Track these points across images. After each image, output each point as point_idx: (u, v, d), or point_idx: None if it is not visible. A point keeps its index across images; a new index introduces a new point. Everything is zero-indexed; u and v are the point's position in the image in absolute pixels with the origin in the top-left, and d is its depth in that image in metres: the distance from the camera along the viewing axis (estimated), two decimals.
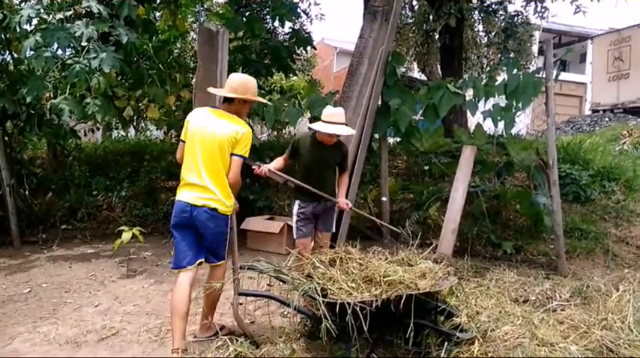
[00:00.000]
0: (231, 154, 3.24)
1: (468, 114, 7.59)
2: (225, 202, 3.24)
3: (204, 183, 3.20)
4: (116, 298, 4.47)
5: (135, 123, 9.97)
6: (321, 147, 4.03)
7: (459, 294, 3.87)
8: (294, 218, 4.13)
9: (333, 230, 4.32)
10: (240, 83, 3.36)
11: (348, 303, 2.78)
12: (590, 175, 7.16)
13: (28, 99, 5.61)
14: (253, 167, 3.89)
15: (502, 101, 5.46)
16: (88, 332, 3.69)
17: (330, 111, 3.95)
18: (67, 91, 5.68)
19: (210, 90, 3.69)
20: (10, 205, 6.30)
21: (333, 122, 3.89)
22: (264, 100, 3.94)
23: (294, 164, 4.26)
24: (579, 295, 4.16)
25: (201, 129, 3.25)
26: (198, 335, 3.51)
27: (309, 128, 4.15)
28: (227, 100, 3.37)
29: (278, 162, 4.13)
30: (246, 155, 3.29)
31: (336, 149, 4.10)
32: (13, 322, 3.97)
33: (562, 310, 3.85)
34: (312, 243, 4.29)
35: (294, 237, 4.16)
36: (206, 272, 3.59)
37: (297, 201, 4.12)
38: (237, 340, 3.16)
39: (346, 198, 4.23)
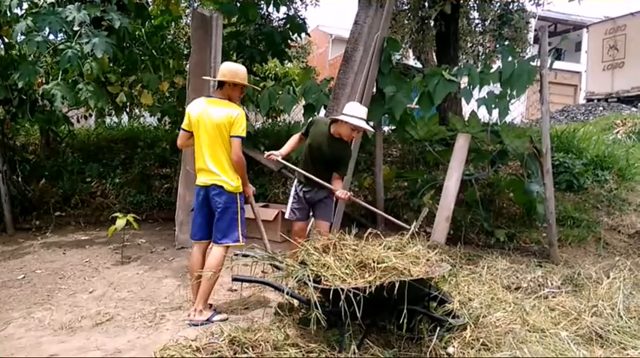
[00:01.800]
0: (230, 136, 3.53)
1: (463, 102, 7.60)
2: (230, 182, 3.57)
3: (208, 168, 3.56)
4: (110, 284, 4.48)
5: (128, 110, 9.89)
6: (331, 140, 4.07)
7: (451, 281, 3.91)
8: (290, 198, 4.29)
9: (332, 220, 4.35)
10: (229, 69, 3.67)
11: (342, 289, 2.80)
12: (584, 164, 7.21)
13: (20, 85, 5.56)
14: (266, 154, 4.14)
15: (497, 89, 5.46)
16: (83, 318, 3.70)
17: (356, 107, 4.07)
18: (60, 77, 5.62)
19: (204, 78, 4.15)
20: (2, 192, 6.27)
21: (358, 117, 3.96)
22: (253, 85, 4.18)
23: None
24: (570, 282, 4.21)
25: (202, 119, 3.57)
26: (192, 320, 3.53)
27: (333, 119, 4.13)
28: (219, 86, 3.69)
29: (293, 140, 4.29)
30: (244, 134, 3.57)
31: (344, 147, 4.12)
32: (7, 308, 3.97)
33: (553, 297, 3.90)
34: (309, 231, 4.32)
35: (286, 216, 4.35)
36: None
37: (295, 182, 4.27)
38: (231, 325, 3.18)
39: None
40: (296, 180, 4.30)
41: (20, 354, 3.13)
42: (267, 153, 4.15)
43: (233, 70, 3.65)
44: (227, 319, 3.58)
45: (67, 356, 3.09)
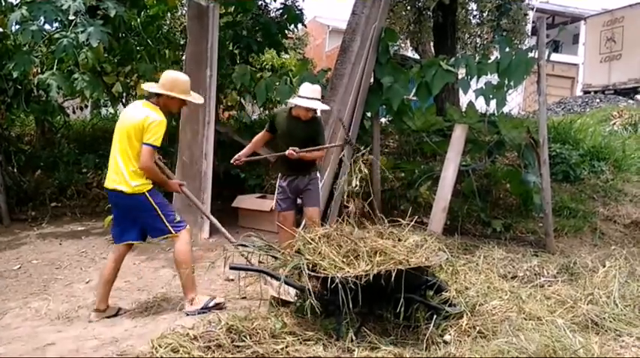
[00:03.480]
0: (142, 143, 3.35)
1: (460, 93, 7.59)
2: (130, 183, 3.40)
3: (114, 167, 3.47)
4: None
5: (124, 101, 9.83)
6: (296, 122, 4.22)
7: (448, 270, 3.92)
8: (276, 191, 4.39)
9: (320, 206, 4.42)
10: (170, 80, 3.51)
11: (339, 278, 2.80)
12: (580, 155, 7.23)
13: (15, 75, 5.51)
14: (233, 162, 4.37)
15: (495, 80, 5.45)
16: (80, 308, 3.70)
17: (307, 87, 4.17)
18: (55, 67, 5.58)
19: (143, 86, 3.77)
20: None
21: (310, 97, 4.09)
22: (192, 99, 3.64)
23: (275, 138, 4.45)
24: (566, 271, 4.23)
25: (120, 118, 3.55)
26: (188, 311, 3.52)
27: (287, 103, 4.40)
28: (157, 94, 3.51)
29: (257, 138, 4.47)
30: (156, 143, 3.36)
31: (311, 124, 4.27)
32: (3, 298, 3.98)
33: (549, 286, 3.92)
34: (303, 221, 4.35)
35: (273, 207, 4.53)
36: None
37: (279, 176, 4.40)
38: (228, 314, 3.18)
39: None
40: (279, 174, 4.41)
41: (17, 344, 3.13)
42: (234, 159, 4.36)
43: (174, 81, 3.50)
44: (223, 304, 3.59)
45: (64, 345, 3.09)
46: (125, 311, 3.69)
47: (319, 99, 4.18)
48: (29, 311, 3.71)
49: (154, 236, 3.64)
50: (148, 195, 3.46)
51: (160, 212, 3.49)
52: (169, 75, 3.56)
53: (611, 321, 3.15)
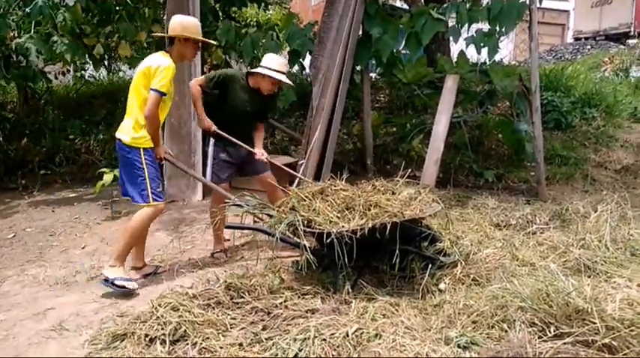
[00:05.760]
0: (150, 89, 3.23)
1: (451, 44, 7.45)
2: (131, 133, 3.29)
3: (125, 116, 3.38)
4: (102, 239, 4.47)
5: (107, 63, 9.57)
6: (253, 93, 3.86)
7: (441, 221, 3.95)
8: (210, 160, 3.88)
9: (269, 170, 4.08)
10: (179, 22, 3.40)
11: (335, 233, 2.82)
12: (572, 102, 7.21)
13: None
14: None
15: (485, 28, 5.34)
16: (77, 273, 3.71)
17: (276, 59, 3.88)
18: (32, 30, 5.38)
19: (155, 34, 3.90)
20: None
21: (281, 71, 3.80)
22: (208, 40, 3.75)
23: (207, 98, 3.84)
24: (558, 218, 4.27)
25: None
26: (104, 273, 3.29)
27: (251, 72, 3.91)
28: (170, 43, 3.45)
29: (200, 94, 3.77)
30: (164, 90, 3.22)
31: (270, 99, 4.04)
32: (0, 266, 3.97)
33: (542, 232, 3.96)
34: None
35: (209, 180, 3.88)
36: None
37: (212, 142, 3.87)
38: (226, 272, 3.20)
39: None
40: (212, 143, 3.86)
41: (17, 310, 3.15)
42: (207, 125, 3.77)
43: (183, 24, 3.39)
44: (134, 290, 3.26)
45: (64, 309, 3.11)
46: (164, 270, 3.65)
47: (285, 74, 3.86)
48: (27, 278, 3.72)
49: (129, 195, 3.38)
50: (143, 152, 3.30)
51: (147, 176, 3.31)
52: (178, 18, 3.45)
53: (602, 264, 3.21)
